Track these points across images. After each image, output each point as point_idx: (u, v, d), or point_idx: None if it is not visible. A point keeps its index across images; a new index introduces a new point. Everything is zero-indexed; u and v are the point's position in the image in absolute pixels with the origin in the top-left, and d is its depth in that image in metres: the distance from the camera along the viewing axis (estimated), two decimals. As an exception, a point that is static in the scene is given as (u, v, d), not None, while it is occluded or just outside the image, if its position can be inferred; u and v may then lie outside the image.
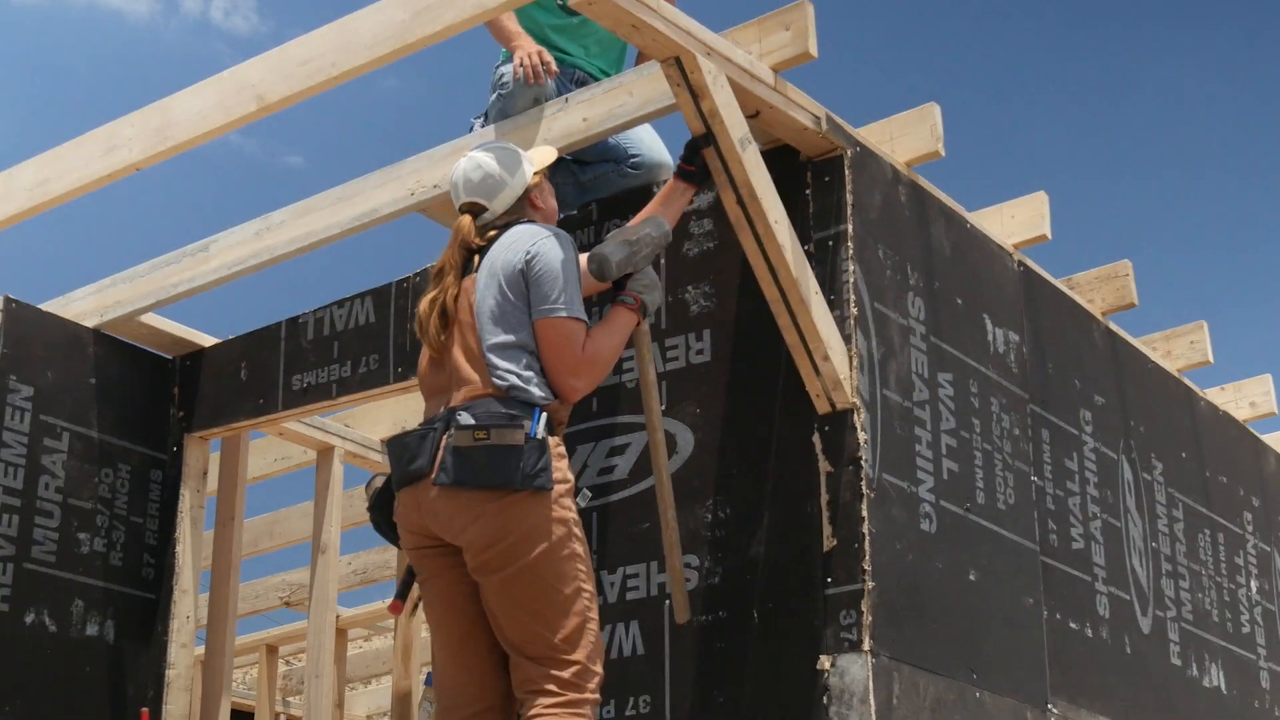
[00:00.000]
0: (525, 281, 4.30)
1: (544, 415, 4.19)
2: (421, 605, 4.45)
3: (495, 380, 4.22)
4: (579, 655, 4.12)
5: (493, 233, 4.46)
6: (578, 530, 4.23)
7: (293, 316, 6.40)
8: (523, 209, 4.54)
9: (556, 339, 4.25)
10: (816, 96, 5.04)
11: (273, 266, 6.13)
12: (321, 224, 5.97)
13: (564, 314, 4.25)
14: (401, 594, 4.43)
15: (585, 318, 4.33)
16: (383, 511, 4.41)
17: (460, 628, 4.29)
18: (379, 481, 4.46)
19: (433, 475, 4.16)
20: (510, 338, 4.26)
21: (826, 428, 4.80)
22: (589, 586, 4.21)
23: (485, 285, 4.34)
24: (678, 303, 5.19)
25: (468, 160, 4.53)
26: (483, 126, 5.65)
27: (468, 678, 4.28)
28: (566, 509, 4.19)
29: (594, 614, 4.21)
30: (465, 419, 4.15)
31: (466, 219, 4.48)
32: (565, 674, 4.11)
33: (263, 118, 5.45)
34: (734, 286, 5.09)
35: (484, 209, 4.50)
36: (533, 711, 4.10)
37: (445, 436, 4.17)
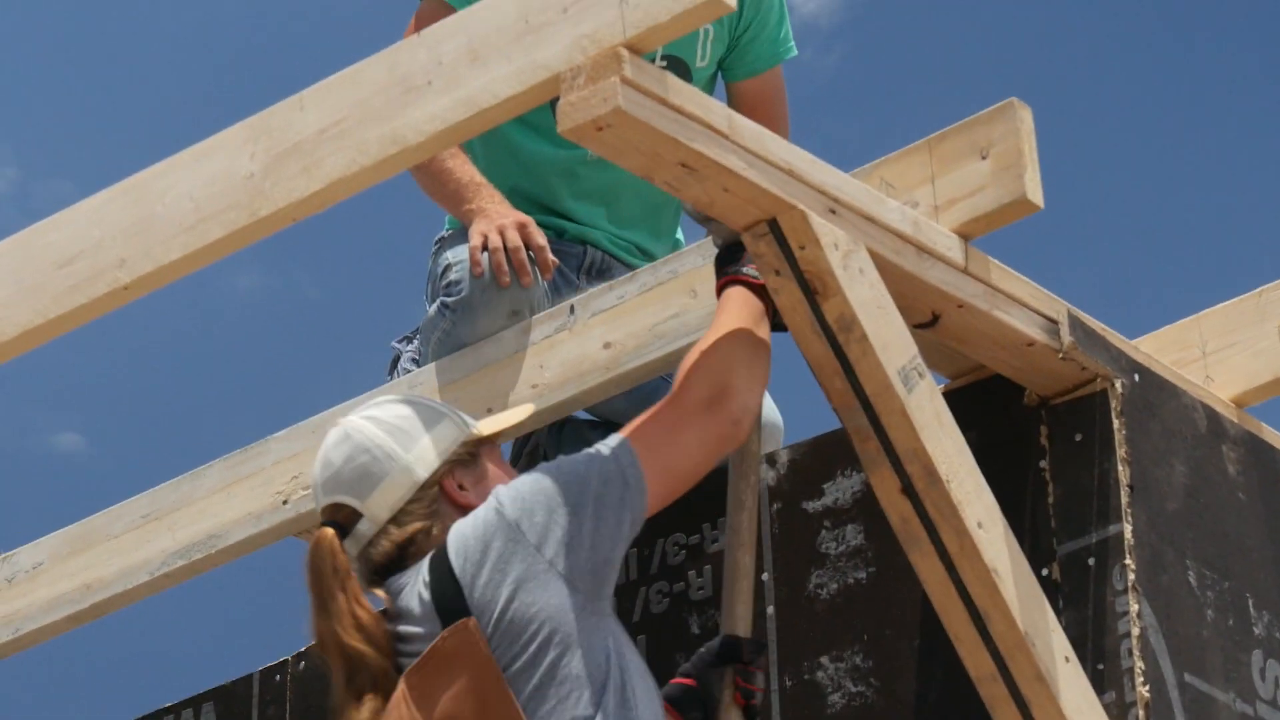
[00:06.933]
0: (508, 528, 2.99)
1: None
2: None
3: None
4: None
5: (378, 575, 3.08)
6: None
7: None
8: (434, 511, 3.12)
9: (646, 443, 3.06)
10: (1051, 284, 3.52)
11: (18, 654, 4.11)
12: (114, 568, 3.94)
13: (607, 452, 3.05)
14: None
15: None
16: None
17: None
18: None
19: None
20: (573, 704, 2.98)
21: None
22: None
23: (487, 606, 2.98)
24: (805, 685, 3.73)
25: (333, 432, 3.22)
26: (413, 360, 3.92)
27: None
28: None
29: None
30: None
31: (325, 535, 3.07)
32: None
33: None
34: (906, 651, 3.66)
35: (355, 514, 3.11)
36: None
37: None
